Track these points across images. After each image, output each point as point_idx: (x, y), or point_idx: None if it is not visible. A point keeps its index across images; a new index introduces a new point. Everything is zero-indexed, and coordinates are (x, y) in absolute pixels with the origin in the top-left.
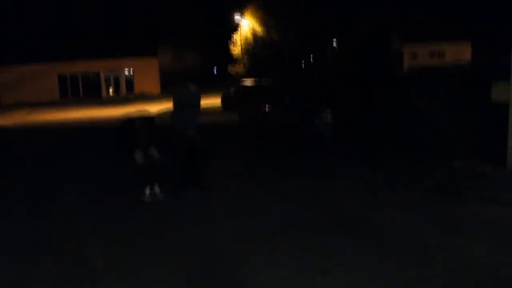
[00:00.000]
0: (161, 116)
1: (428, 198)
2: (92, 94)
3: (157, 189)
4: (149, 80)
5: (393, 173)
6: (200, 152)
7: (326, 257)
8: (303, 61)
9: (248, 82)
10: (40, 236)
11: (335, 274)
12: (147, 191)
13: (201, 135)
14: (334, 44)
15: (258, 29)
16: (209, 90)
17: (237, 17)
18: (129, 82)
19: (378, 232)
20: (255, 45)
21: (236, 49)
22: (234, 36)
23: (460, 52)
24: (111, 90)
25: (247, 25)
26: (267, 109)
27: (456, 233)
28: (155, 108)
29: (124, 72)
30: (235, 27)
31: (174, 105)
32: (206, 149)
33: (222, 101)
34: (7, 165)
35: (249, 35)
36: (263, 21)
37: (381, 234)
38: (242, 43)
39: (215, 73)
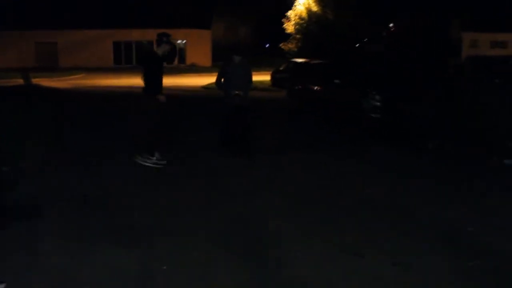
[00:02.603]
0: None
1: (467, 192)
2: None
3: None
4: (201, 52)
5: (437, 166)
6: (246, 123)
7: (358, 237)
8: (357, 44)
9: (300, 59)
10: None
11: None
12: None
13: (250, 108)
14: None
15: (313, 7)
16: (260, 66)
17: None
18: (181, 52)
19: (412, 219)
20: (309, 23)
21: (290, 26)
22: (289, 12)
23: None
24: None
25: (302, 2)
26: (316, 88)
27: (487, 226)
28: (205, 80)
29: (176, 43)
30: (289, 4)
31: (217, 75)
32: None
33: (272, 77)
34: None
35: (304, 13)
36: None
37: (414, 223)
38: (296, 21)
39: (268, 49)
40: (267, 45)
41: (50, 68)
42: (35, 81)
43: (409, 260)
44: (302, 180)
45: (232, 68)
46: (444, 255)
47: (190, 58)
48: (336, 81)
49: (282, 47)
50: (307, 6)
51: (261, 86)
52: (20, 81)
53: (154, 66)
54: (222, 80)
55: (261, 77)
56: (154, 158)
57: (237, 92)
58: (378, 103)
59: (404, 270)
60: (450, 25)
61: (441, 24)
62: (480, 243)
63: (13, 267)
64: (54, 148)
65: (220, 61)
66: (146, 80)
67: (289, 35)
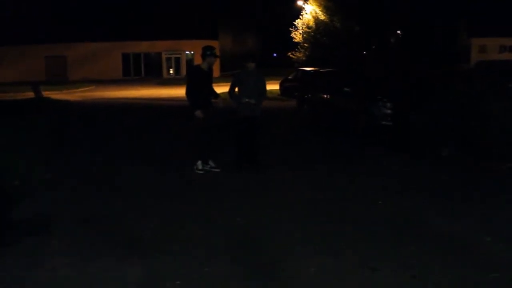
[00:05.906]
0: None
1: (480, 201)
2: (153, 74)
3: (211, 162)
4: None
5: (449, 174)
6: (256, 133)
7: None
8: (364, 52)
9: (308, 68)
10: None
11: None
12: (200, 164)
13: (261, 118)
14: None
15: (321, 16)
16: (268, 75)
17: (300, 3)
18: (191, 63)
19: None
20: (317, 32)
21: (298, 35)
22: (297, 22)
23: None
24: (171, 71)
25: (309, 11)
26: (325, 96)
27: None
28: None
29: (185, 54)
30: (297, 13)
31: (231, 85)
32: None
33: (281, 87)
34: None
35: (311, 22)
36: (326, 8)
37: (419, 233)
38: (304, 30)
39: (275, 58)
40: (275, 55)
41: (60, 81)
42: (46, 94)
43: (426, 273)
44: (312, 193)
45: (246, 76)
46: (463, 267)
47: None
48: (346, 89)
49: (290, 56)
50: (314, 15)
51: (270, 95)
52: (31, 94)
53: (195, 80)
54: (236, 89)
55: (270, 86)
56: (208, 166)
57: (247, 99)
58: (389, 111)
59: (423, 283)
60: (459, 32)
61: (449, 30)
62: (499, 254)
63: (22, 282)
64: (62, 162)
65: (228, 71)
66: (186, 94)
67: (297, 44)
